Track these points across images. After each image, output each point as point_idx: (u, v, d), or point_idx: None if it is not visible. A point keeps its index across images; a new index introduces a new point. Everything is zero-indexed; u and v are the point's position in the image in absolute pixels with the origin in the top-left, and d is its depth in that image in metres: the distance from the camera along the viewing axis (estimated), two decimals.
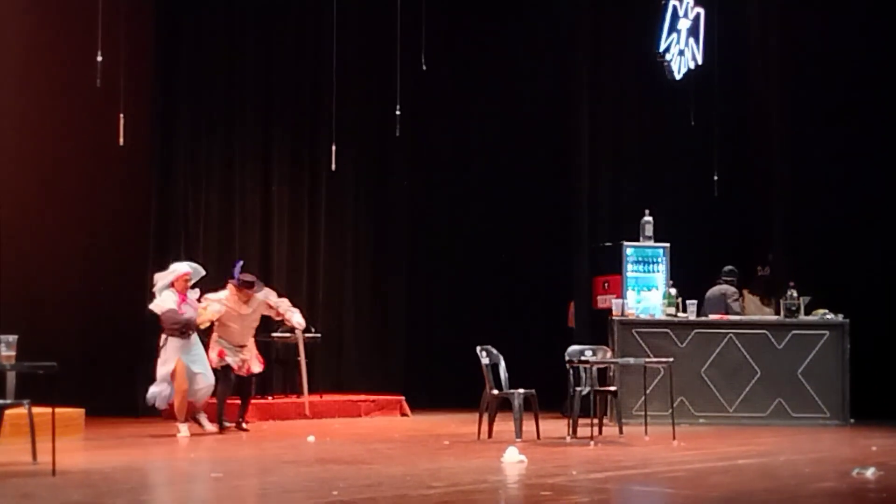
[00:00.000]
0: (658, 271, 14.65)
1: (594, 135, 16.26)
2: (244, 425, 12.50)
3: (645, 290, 14.58)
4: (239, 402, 12.60)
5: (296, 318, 12.74)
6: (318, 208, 16.14)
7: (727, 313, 13.98)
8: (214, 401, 12.32)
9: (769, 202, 15.92)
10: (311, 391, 13.73)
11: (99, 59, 12.08)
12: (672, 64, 15.00)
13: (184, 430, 11.84)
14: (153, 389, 12.01)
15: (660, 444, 11.28)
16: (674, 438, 11.49)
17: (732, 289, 14.29)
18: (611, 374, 13.13)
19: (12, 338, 8.82)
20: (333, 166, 14.41)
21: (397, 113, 14.18)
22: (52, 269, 14.01)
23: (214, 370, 12.20)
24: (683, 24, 15.09)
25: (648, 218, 14.61)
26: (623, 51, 16.12)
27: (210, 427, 12.12)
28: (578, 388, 11.84)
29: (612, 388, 12.59)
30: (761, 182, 16.07)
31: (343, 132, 14.88)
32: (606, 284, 14.65)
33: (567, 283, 15.90)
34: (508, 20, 16.86)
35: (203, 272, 12.35)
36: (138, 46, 13.85)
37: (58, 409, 8.75)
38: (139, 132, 13.73)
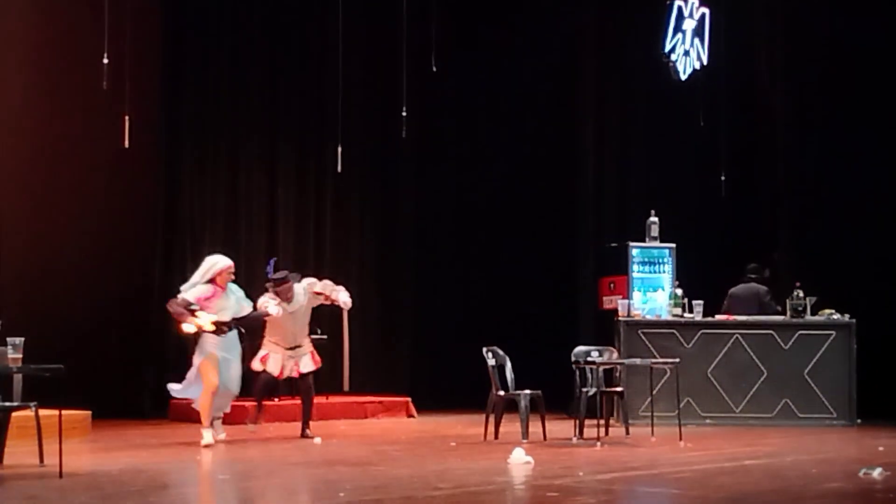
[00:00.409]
0: (664, 272, 14.63)
1: (600, 135, 16.31)
2: (307, 432, 11.86)
3: (651, 291, 14.57)
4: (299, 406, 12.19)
5: (342, 298, 11.94)
6: (324, 210, 16.15)
7: (764, 312, 13.92)
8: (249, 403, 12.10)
9: (776, 202, 15.91)
10: (316, 392, 13.67)
11: (105, 61, 12.11)
12: (677, 64, 14.97)
13: (207, 436, 11.04)
14: (177, 386, 11.46)
15: (666, 444, 11.27)
16: (680, 439, 11.48)
17: (764, 287, 14.24)
18: (617, 374, 13.12)
19: (19, 340, 8.84)
20: (339, 168, 14.43)
21: (403, 115, 14.18)
22: (57, 272, 14.02)
23: (253, 372, 11.82)
24: (689, 25, 15.07)
25: (654, 218, 14.60)
26: (628, 51, 16.14)
27: (222, 435, 11.56)
28: (585, 389, 11.83)
29: (619, 389, 12.58)
30: (768, 182, 16.06)
31: (349, 134, 14.89)
32: (612, 285, 14.64)
33: (573, 283, 15.92)
34: (514, 21, 16.85)
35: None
36: (144, 49, 13.87)
37: (65, 412, 8.75)
38: (145, 134, 13.73)
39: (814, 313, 13.82)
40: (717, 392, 13.61)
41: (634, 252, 14.55)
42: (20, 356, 8.80)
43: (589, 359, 11.86)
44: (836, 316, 13.79)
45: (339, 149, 14.28)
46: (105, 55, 12.13)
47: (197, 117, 15.04)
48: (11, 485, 8.41)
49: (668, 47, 14.90)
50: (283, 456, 10.40)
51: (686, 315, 13.74)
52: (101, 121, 13.53)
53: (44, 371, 8.84)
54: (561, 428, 12.20)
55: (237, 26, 15.47)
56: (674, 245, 14.65)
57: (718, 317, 13.85)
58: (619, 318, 13.67)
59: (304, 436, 11.81)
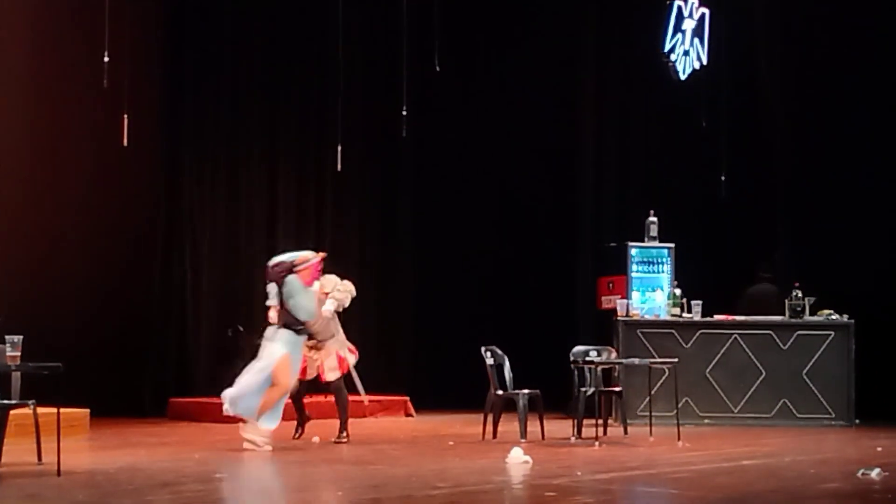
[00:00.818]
0: (663, 272, 14.63)
1: (600, 135, 16.30)
2: (342, 436, 11.27)
3: (650, 291, 14.57)
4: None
5: (324, 307, 11.30)
6: (324, 208, 16.15)
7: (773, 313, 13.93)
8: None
9: (775, 202, 15.91)
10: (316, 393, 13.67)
11: (106, 59, 12.11)
12: (677, 64, 14.99)
13: (271, 424, 10.46)
14: (232, 394, 10.57)
15: (664, 444, 11.28)
16: (679, 439, 11.49)
17: (776, 288, 14.27)
18: (615, 374, 13.12)
19: (17, 338, 8.83)
20: (339, 167, 14.43)
21: (404, 113, 14.19)
22: (57, 270, 14.02)
23: None
24: (688, 25, 15.09)
25: (653, 218, 14.60)
26: (628, 51, 16.14)
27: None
28: (583, 389, 11.83)
29: (617, 389, 12.59)
30: (767, 182, 16.06)
31: (349, 134, 14.90)
32: (611, 285, 14.64)
33: (572, 283, 15.92)
34: (514, 21, 16.86)
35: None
36: (145, 48, 13.88)
37: (63, 410, 8.76)
38: (145, 133, 13.75)
39: (812, 314, 13.83)
40: (715, 392, 13.62)
41: (633, 252, 14.55)
42: (18, 354, 8.79)
43: (587, 358, 11.86)
44: (835, 316, 13.80)
45: (339, 149, 14.29)
46: (105, 54, 12.13)
47: (197, 116, 15.05)
48: (10, 483, 8.41)
49: (667, 47, 14.92)
50: (281, 455, 10.39)
51: (685, 315, 13.75)
52: (101, 119, 13.54)
53: (42, 369, 8.84)
54: (559, 427, 12.19)
55: (238, 26, 15.47)
56: (673, 245, 14.65)
57: (718, 317, 13.85)
58: (618, 318, 13.67)
59: (337, 440, 11.25)
